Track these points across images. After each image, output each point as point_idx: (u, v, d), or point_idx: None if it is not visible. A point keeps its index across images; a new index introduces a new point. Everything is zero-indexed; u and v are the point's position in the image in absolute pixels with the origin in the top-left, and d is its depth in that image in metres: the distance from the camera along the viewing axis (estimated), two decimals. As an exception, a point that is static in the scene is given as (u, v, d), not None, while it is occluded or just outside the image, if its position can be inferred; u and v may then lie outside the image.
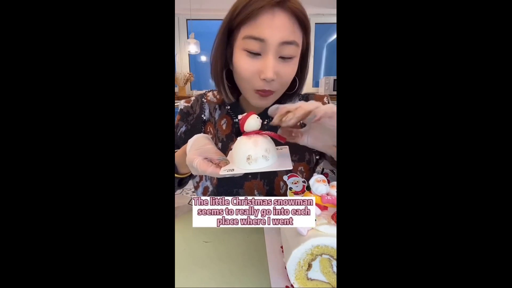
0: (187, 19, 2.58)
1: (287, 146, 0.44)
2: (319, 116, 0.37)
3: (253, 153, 0.38)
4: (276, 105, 0.40)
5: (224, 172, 0.38)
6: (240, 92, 0.56)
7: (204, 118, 0.63)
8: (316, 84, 2.78)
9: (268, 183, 0.60)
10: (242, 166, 0.38)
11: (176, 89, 2.61)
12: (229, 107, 0.63)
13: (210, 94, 0.66)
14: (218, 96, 0.65)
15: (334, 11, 2.44)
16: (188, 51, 2.47)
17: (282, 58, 0.48)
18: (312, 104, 0.38)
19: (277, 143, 0.43)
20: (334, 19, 2.61)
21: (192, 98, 0.66)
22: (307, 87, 2.76)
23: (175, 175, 0.52)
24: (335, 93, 2.44)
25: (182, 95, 2.58)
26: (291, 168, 0.38)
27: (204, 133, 0.62)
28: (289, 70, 0.50)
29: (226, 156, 0.42)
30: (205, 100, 0.64)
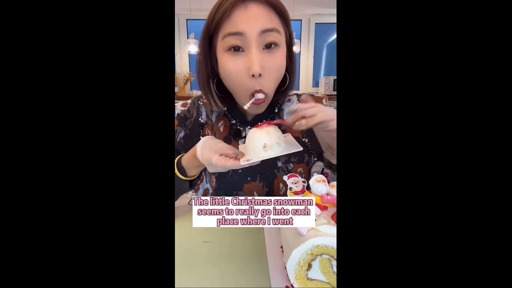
0: (187, 19, 2.58)
1: (289, 133, 0.47)
2: (330, 128, 0.38)
3: (268, 141, 0.41)
4: (296, 106, 0.40)
5: (244, 162, 0.41)
6: (230, 99, 0.56)
7: (202, 121, 0.62)
8: (316, 84, 2.77)
9: (268, 185, 0.59)
10: (259, 154, 0.42)
11: (176, 89, 2.60)
12: (225, 109, 0.61)
13: None
14: None
15: (334, 11, 2.44)
16: (188, 51, 2.47)
17: (267, 48, 0.46)
18: (327, 116, 0.38)
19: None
20: (334, 19, 2.61)
21: (189, 101, 0.65)
22: (307, 87, 2.75)
23: (185, 178, 0.52)
24: (335, 93, 2.43)
25: (182, 95, 2.58)
26: (301, 149, 0.42)
27: (203, 135, 0.62)
28: (276, 61, 0.48)
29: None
30: (201, 103, 0.64)
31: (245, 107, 0.47)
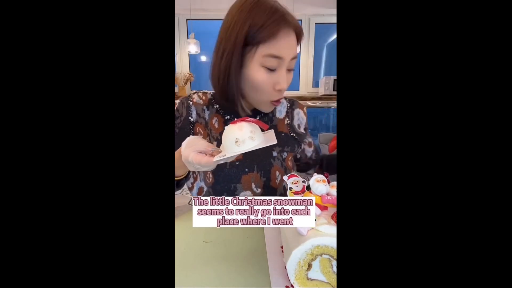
0: (187, 19, 2.58)
1: (272, 130, 0.49)
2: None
3: (240, 136, 0.41)
4: None
5: (217, 158, 0.41)
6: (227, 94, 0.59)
7: (192, 120, 0.64)
8: (316, 84, 2.77)
9: (265, 174, 0.62)
10: (232, 150, 0.42)
11: (176, 89, 2.60)
12: (218, 106, 0.65)
13: (195, 96, 0.67)
14: (203, 98, 0.66)
15: (334, 11, 2.44)
16: (188, 51, 2.47)
17: (288, 70, 0.56)
18: None
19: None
20: (334, 19, 2.61)
21: (177, 102, 0.66)
22: (307, 87, 2.76)
23: None
24: (335, 93, 2.43)
25: (182, 95, 2.58)
26: (276, 142, 0.43)
27: (193, 134, 0.63)
28: (291, 79, 0.58)
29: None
30: (191, 103, 0.65)
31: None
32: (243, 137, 0.41)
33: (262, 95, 0.57)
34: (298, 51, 0.57)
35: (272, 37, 0.51)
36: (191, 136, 0.48)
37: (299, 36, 0.56)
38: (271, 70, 0.54)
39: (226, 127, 0.44)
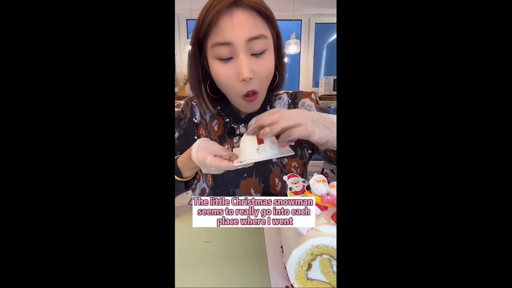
0: (187, 19, 2.59)
1: None
2: (293, 137, 0.39)
3: (262, 144, 0.43)
4: (254, 118, 0.42)
5: (237, 163, 0.42)
6: (224, 99, 0.57)
7: (196, 121, 0.64)
8: (316, 84, 2.78)
9: (264, 181, 0.60)
10: (252, 157, 0.43)
11: (176, 89, 2.61)
12: (218, 108, 0.63)
13: None
14: None
15: (334, 11, 2.44)
16: (188, 51, 2.48)
17: (254, 54, 0.48)
18: (289, 122, 0.38)
19: None
20: (334, 19, 2.62)
21: (182, 103, 0.66)
22: (307, 87, 2.76)
23: (180, 179, 0.54)
24: (335, 93, 2.44)
25: (182, 95, 2.58)
26: (293, 153, 0.43)
27: (197, 135, 0.63)
28: (265, 64, 0.49)
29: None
30: (194, 104, 0.65)
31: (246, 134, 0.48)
32: (264, 146, 0.43)
33: (230, 91, 0.51)
34: (262, 30, 0.47)
35: (213, 24, 0.46)
36: (202, 139, 0.48)
37: (260, 13, 0.47)
38: (226, 59, 0.47)
39: (245, 134, 0.45)
